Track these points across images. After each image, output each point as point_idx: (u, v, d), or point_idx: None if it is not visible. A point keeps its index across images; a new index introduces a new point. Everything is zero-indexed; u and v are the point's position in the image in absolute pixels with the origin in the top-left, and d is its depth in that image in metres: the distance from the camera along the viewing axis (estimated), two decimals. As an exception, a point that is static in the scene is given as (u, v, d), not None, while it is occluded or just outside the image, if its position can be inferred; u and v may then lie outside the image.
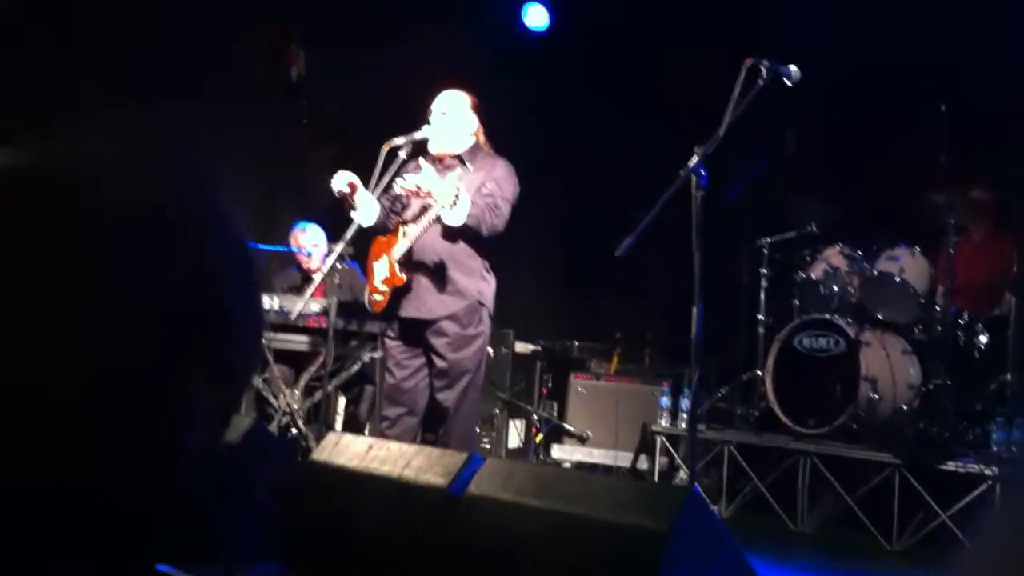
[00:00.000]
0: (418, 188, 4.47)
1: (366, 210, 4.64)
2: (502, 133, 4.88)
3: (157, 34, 6.21)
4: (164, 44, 6.25)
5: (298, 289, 6.21)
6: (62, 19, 5.51)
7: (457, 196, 4.29)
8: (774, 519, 5.41)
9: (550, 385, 7.36)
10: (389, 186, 4.60)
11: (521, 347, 7.30)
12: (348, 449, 3.42)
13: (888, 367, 5.66)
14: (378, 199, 4.66)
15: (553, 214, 7.48)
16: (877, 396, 5.57)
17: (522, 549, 2.24)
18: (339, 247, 4.77)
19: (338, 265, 4.87)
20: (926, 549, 4.86)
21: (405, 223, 4.69)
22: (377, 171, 4.54)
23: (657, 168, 4.10)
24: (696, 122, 3.93)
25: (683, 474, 5.93)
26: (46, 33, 5.39)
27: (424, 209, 4.53)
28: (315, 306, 5.31)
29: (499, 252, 4.70)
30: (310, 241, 6.43)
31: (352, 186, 4.56)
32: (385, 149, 4.55)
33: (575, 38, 7.86)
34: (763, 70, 3.68)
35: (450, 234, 4.50)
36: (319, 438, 4.99)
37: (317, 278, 5.37)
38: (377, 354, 5.10)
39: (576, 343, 7.48)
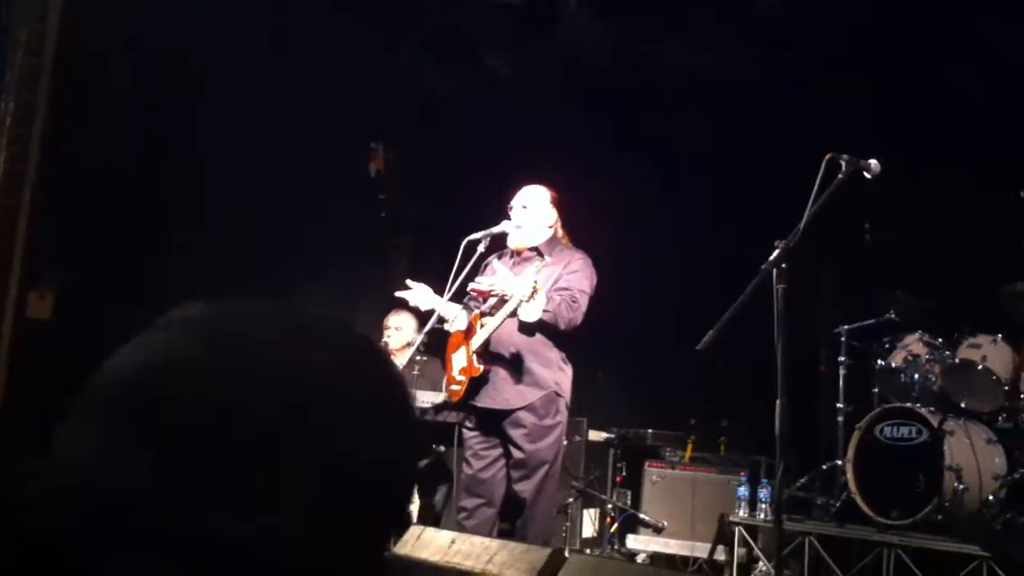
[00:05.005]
0: (491, 289, 4.54)
1: (456, 318, 4.75)
2: (579, 225, 4.95)
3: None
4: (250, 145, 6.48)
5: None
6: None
7: (534, 292, 4.32)
8: (859, 613, 5.27)
9: (624, 473, 7.28)
10: (468, 280, 4.69)
11: (594, 435, 7.25)
12: (431, 543, 3.42)
13: (973, 457, 5.52)
14: (462, 301, 4.78)
15: (626, 302, 7.49)
16: (963, 486, 5.43)
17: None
18: (418, 338, 4.84)
19: (417, 356, 4.94)
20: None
21: (483, 315, 4.75)
22: (456, 265, 4.63)
23: (736, 261, 4.12)
24: (777, 216, 3.95)
25: (763, 566, 5.80)
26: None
27: (502, 302, 4.58)
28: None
29: (573, 340, 4.72)
30: (393, 323, 6.49)
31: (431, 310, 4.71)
32: (464, 244, 4.65)
33: (653, 132, 7.90)
34: (843, 164, 3.69)
35: (527, 326, 4.54)
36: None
37: (395, 369, 5.43)
38: (454, 445, 5.11)
39: (650, 431, 7.41)
